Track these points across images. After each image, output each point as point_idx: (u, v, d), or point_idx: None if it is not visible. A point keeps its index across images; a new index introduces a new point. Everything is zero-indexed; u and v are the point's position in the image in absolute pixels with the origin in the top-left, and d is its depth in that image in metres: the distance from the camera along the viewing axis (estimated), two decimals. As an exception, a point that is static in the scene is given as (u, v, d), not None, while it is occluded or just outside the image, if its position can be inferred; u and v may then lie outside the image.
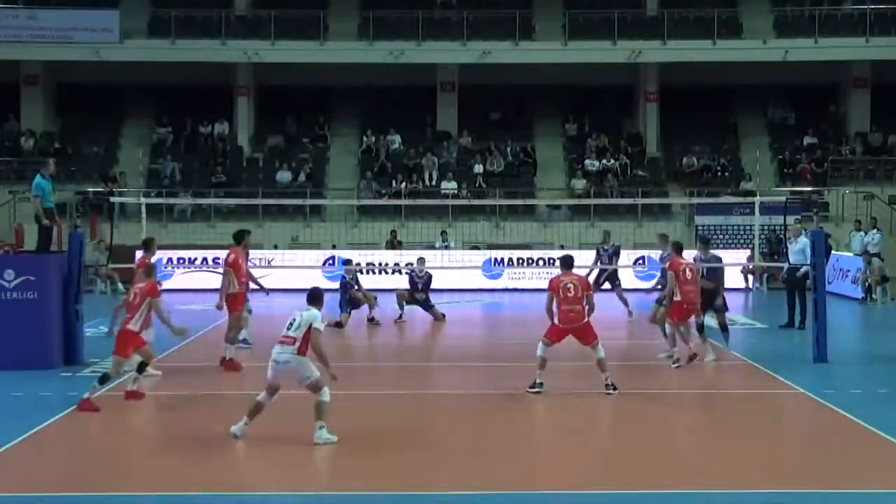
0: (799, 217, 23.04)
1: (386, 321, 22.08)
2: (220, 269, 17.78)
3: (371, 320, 21.80)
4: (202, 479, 10.25)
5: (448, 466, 10.83)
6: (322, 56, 35.96)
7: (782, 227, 22.55)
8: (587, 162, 35.94)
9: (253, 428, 11.45)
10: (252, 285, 18.13)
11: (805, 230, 21.33)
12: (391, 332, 21.51)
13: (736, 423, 12.94)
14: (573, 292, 13.97)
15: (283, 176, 35.04)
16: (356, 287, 22.14)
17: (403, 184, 34.56)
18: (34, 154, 34.51)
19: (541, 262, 30.08)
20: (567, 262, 14.56)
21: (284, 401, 13.43)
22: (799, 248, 20.56)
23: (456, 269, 29.05)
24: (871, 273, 27.10)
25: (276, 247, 31.31)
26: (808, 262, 18.52)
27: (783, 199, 22.66)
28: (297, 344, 11.34)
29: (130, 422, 12.92)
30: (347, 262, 24.37)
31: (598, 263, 23.47)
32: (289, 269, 27.55)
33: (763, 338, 20.68)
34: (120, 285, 29.23)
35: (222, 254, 30.17)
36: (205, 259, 30.38)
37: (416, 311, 22.84)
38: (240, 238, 17.34)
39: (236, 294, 16.63)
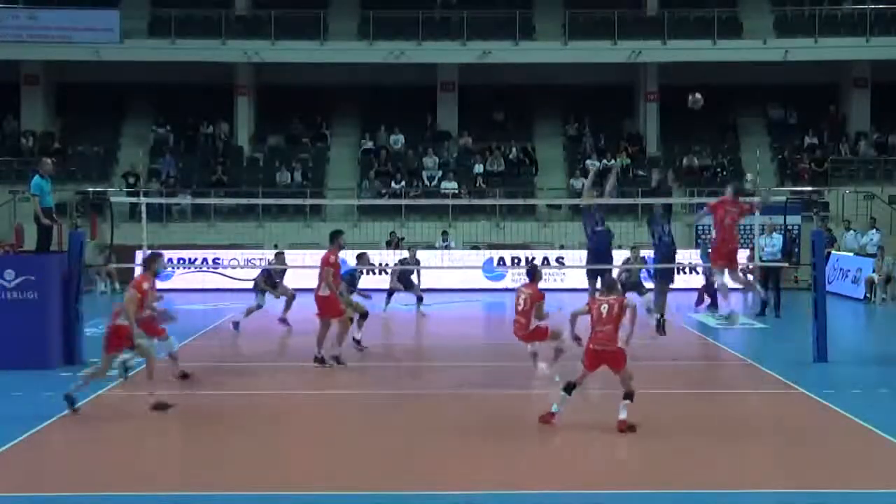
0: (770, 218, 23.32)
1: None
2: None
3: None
4: (202, 479, 10.25)
5: (447, 466, 10.83)
6: (322, 56, 35.93)
7: (782, 227, 22.66)
8: (587, 162, 35.92)
9: (253, 428, 11.44)
10: None
11: (777, 228, 22.89)
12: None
13: (736, 423, 12.94)
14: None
15: (283, 176, 35.02)
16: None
17: (403, 183, 34.55)
18: (34, 154, 34.46)
19: (544, 262, 30.03)
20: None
21: (287, 401, 13.44)
22: (773, 244, 22.61)
23: (456, 269, 29.06)
24: (879, 272, 27.02)
25: (275, 246, 31.27)
26: (780, 256, 22.59)
27: (783, 199, 22.73)
28: None
29: (130, 421, 12.90)
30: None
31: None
32: (289, 269, 27.47)
33: (763, 338, 20.68)
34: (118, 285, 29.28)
35: (222, 254, 30.68)
36: (205, 259, 30.38)
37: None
38: (334, 238, 16.77)
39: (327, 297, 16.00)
